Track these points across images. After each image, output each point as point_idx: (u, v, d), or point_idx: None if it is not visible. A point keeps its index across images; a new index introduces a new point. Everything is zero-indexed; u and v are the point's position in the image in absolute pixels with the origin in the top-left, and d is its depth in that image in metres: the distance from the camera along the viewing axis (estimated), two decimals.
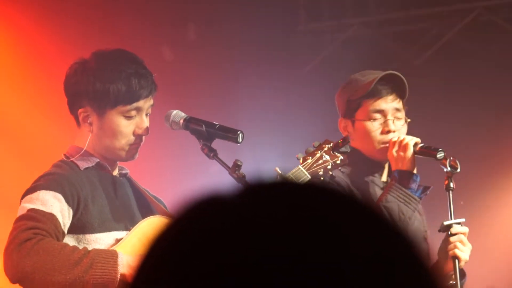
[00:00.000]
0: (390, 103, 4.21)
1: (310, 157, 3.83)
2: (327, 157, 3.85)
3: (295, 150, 6.36)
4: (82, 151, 3.71)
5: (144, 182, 4.02)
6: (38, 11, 6.33)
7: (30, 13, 6.32)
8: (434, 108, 6.93)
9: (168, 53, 7.00)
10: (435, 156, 4.10)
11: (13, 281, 3.40)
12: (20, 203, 3.55)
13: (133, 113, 3.70)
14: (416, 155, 4.11)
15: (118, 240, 3.62)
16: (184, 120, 3.80)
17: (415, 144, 4.12)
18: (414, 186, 4.09)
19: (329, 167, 3.86)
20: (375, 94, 4.20)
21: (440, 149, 4.10)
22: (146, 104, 3.73)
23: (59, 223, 3.50)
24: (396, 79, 4.22)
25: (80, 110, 3.71)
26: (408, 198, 4.05)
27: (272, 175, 3.73)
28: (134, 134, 3.71)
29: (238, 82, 7.09)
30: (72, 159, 3.71)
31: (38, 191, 3.53)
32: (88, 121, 3.71)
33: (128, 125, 3.70)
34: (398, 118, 4.22)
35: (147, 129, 3.72)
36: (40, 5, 6.34)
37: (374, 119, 4.19)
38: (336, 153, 3.87)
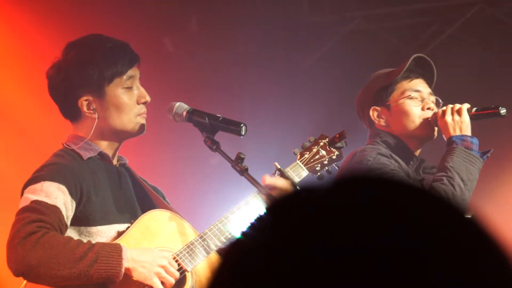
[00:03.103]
0: (424, 86, 4.28)
1: (307, 152, 3.86)
2: (323, 152, 3.88)
3: (297, 143, 6.36)
4: (86, 140, 3.70)
5: (144, 173, 4.02)
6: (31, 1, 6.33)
7: (22, 5, 6.32)
8: None
9: (170, 45, 6.99)
10: (497, 114, 4.10)
11: (17, 274, 3.39)
12: (23, 194, 3.52)
13: (129, 82, 3.72)
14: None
15: (120, 233, 3.62)
16: (187, 112, 3.79)
17: (468, 108, 4.12)
18: (476, 148, 4.07)
19: (325, 162, 3.89)
20: (407, 77, 4.27)
21: (500, 106, 4.10)
22: (136, 73, 3.76)
23: (63, 215, 3.48)
24: (425, 65, 4.28)
25: (80, 100, 3.69)
26: (473, 159, 4.02)
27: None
28: (138, 103, 3.74)
29: (241, 75, 7.08)
30: (74, 147, 3.69)
31: (42, 182, 3.50)
32: (92, 108, 3.70)
33: (129, 97, 3.72)
34: (432, 102, 4.26)
35: (147, 95, 3.75)
36: None
37: (412, 97, 4.24)
38: (332, 148, 3.89)
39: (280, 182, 3.72)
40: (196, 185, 6.96)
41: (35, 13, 6.34)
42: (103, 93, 3.69)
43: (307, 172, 3.84)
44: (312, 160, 3.86)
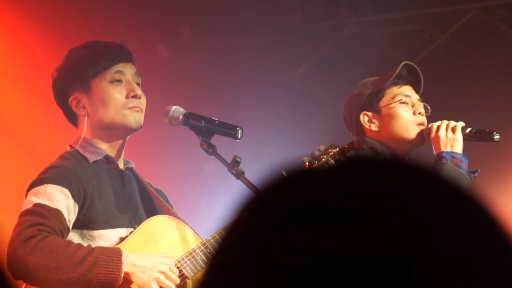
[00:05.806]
0: (412, 92, 4.27)
1: (316, 161, 3.84)
2: (332, 161, 3.85)
3: (291, 147, 6.35)
4: (82, 137, 3.69)
5: (147, 176, 4.01)
6: (29, 10, 6.32)
7: (21, 13, 6.31)
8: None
9: (164, 51, 7.00)
10: (490, 139, 4.08)
11: (16, 277, 3.38)
12: (26, 195, 3.52)
13: (117, 76, 3.71)
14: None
15: (122, 237, 3.60)
16: (184, 115, 3.77)
17: (463, 128, 4.11)
18: (464, 166, 4.05)
19: None
20: (396, 84, 4.25)
21: (495, 131, 4.09)
22: (127, 69, 3.74)
23: (65, 219, 3.47)
24: (413, 73, 4.29)
25: (70, 100, 3.72)
26: (462, 177, 3.99)
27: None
28: (127, 98, 3.70)
29: (235, 79, 7.09)
30: (80, 150, 3.68)
31: (45, 185, 3.49)
32: (81, 105, 3.71)
33: (118, 90, 3.70)
34: (422, 108, 4.26)
35: (140, 90, 3.72)
36: (31, 5, 6.34)
37: (404, 102, 4.22)
38: (342, 159, 3.87)
39: None
40: (199, 189, 6.95)
41: (35, 21, 6.34)
42: (89, 88, 3.69)
43: None
44: None
